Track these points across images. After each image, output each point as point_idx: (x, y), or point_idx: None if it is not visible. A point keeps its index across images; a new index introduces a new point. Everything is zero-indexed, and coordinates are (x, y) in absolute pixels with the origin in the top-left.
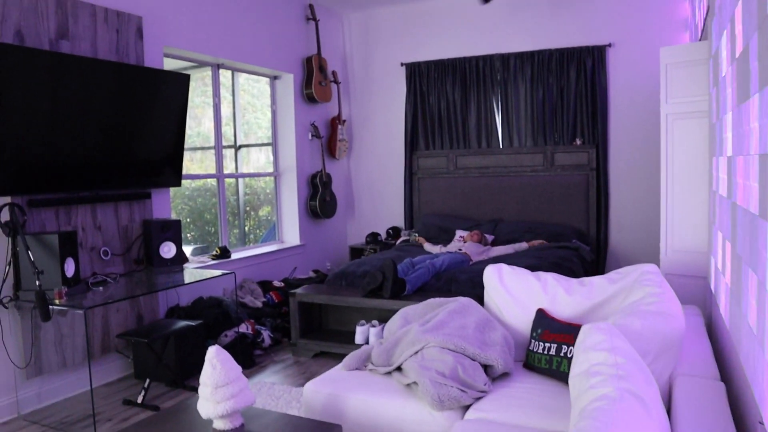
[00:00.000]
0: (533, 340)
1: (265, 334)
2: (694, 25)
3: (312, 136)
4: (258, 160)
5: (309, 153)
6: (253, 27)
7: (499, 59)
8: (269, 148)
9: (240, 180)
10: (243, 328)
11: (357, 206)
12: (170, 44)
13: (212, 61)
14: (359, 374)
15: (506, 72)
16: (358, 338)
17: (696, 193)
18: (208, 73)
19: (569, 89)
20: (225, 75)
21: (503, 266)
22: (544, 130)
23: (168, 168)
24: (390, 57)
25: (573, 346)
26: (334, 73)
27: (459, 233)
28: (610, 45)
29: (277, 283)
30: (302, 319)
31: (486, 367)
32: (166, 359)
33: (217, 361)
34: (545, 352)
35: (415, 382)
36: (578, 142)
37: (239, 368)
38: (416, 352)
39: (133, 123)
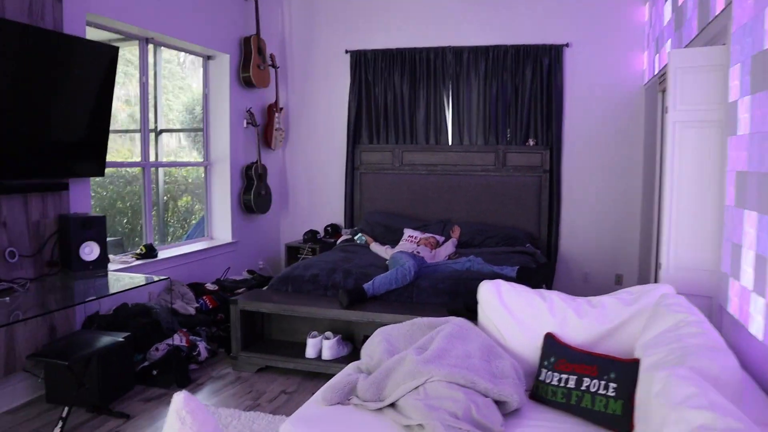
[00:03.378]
0: (544, 370)
1: (201, 347)
2: (652, 31)
3: (247, 123)
4: (168, 144)
5: (243, 142)
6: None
7: (452, 52)
8: (184, 133)
9: (160, 169)
10: (176, 339)
11: (292, 201)
12: (94, 11)
13: (140, 34)
14: (344, 411)
15: (459, 66)
16: (310, 351)
17: (704, 207)
18: (128, 48)
19: (524, 88)
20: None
21: (501, 283)
22: (497, 128)
23: (89, 154)
24: (333, 43)
25: (597, 378)
26: (272, 56)
27: (408, 232)
28: (567, 45)
29: (210, 286)
30: (243, 330)
31: (497, 403)
32: (87, 381)
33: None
34: (561, 384)
35: (419, 425)
36: (531, 142)
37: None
38: (416, 387)
39: (47, 100)
